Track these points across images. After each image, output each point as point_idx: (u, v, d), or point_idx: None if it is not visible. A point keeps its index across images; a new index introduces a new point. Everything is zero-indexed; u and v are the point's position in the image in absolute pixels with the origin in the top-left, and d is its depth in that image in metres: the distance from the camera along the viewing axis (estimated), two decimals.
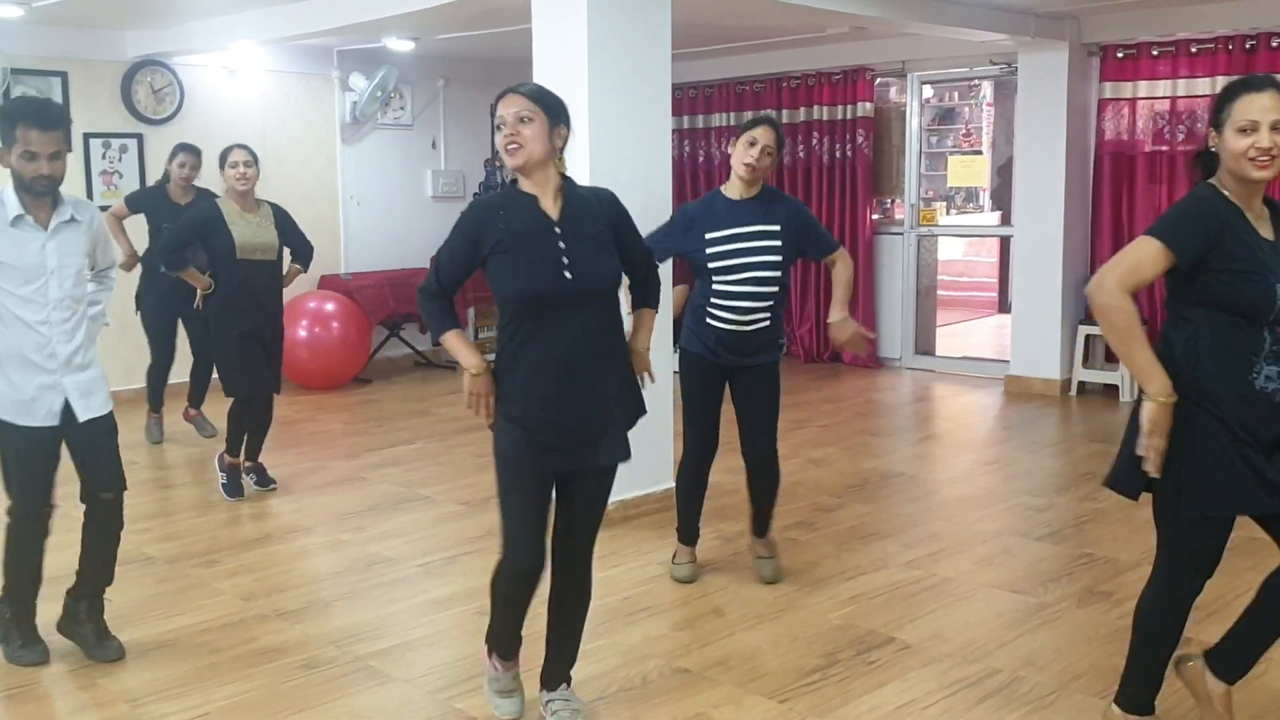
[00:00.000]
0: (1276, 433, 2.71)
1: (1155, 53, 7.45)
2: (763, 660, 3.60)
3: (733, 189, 4.14)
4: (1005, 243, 10.46)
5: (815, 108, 9.05)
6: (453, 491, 5.61)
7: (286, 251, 5.60)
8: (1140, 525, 4.96)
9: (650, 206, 5.07)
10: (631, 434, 4.99)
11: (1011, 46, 7.72)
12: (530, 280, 2.85)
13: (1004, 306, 11.28)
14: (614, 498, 4.90)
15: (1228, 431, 2.66)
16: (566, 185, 2.97)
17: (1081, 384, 7.83)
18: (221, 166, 5.38)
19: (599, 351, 2.93)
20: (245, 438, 5.54)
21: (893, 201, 9.27)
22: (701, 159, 9.85)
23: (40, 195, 3.40)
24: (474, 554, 4.68)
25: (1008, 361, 8.22)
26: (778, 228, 4.05)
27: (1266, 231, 2.74)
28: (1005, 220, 10.52)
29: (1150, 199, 7.63)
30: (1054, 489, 5.62)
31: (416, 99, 9.31)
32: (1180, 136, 7.45)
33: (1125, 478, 2.82)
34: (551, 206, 2.92)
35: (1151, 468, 2.70)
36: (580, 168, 4.84)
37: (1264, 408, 2.69)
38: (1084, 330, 7.74)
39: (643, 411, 3.13)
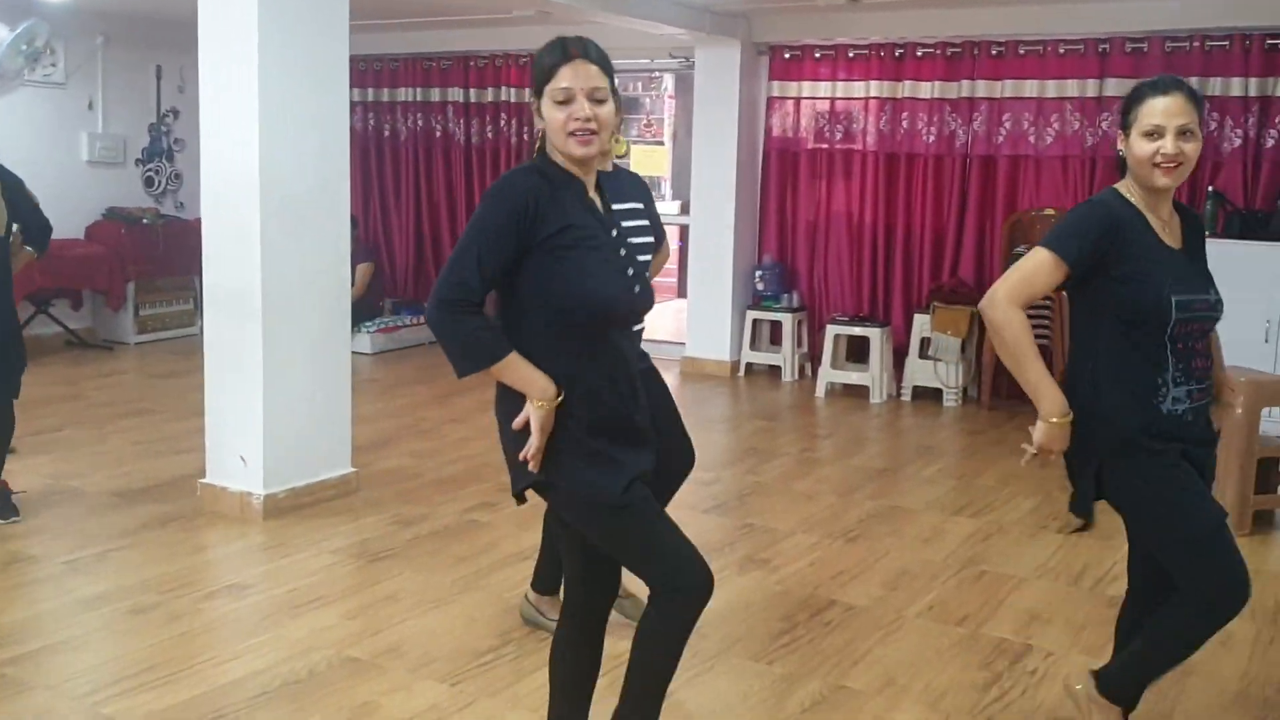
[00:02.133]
0: (1199, 456, 2.63)
1: (818, 55, 7.97)
2: (436, 644, 3.57)
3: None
4: (685, 231, 10.88)
5: (503, 89, 9.05)
6: (107, 482, 5.21)
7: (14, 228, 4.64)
8: (796, 498, 5.33)
9: (329, 180, 4.90)
10: (304, 418, 4.86)
11: (689, 41, 8.03)
12: (604, 286, 2.31)
13: (683, 292, 11.74)
14: (284, 485, 4.79)
15: (1160, 452, 2.58)
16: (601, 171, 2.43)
17: (749, 365, 8.29)
18: None
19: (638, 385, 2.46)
20: None
21: None
22: (387, 133, 9.62)
23: None
24: (128, 549, 4.37)
25: (684, 344, 8.58)
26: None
27: (1172, 239, 2.64)
28: (685, 210, 10.94)
29: (812, 194, 8.17)
30: (722, 463, 5.92)
31: (70, 56, 8.51)
32: (839, 136, 8.01)
33: (1080, 502, 2.74)
34: (596, 195, 2.41)
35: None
36: (250, 138, 4.61)
37: (1176, 430, 2.59)
38: (751, 315, 8.20)
39: None
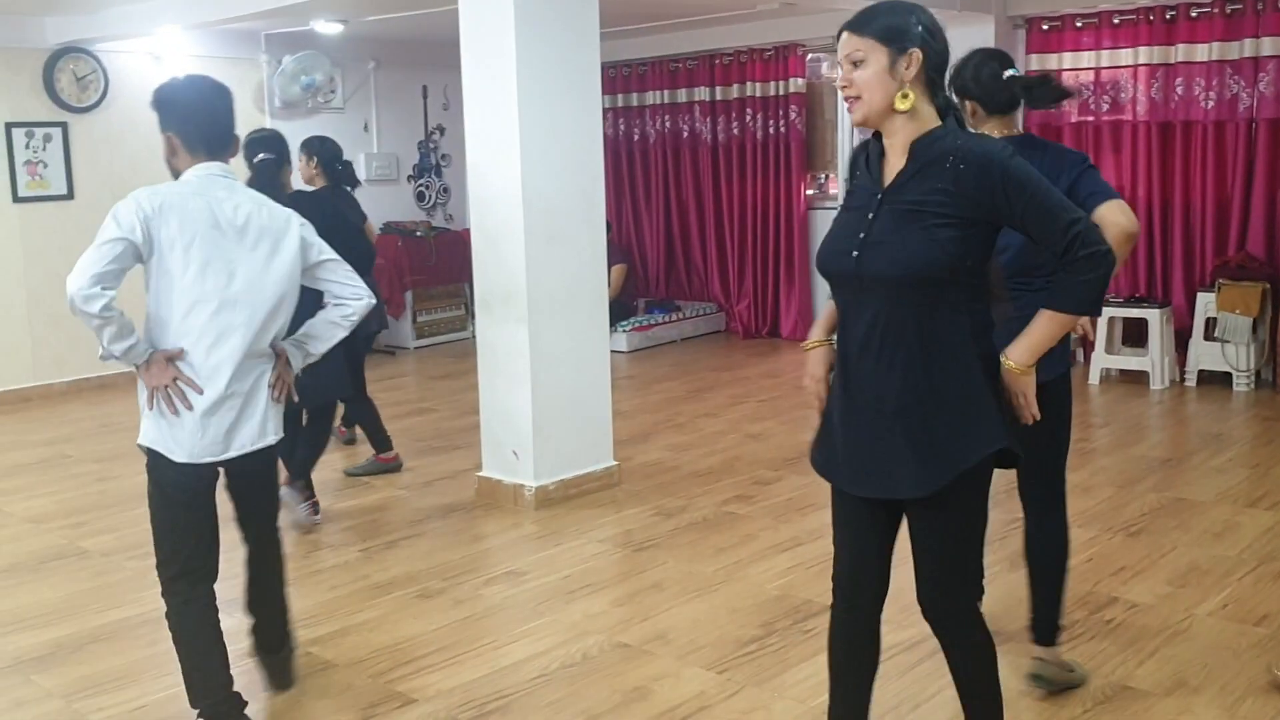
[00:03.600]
0: None
1: (1079, 24, 7.56)
2: (701, 632, 3.64)
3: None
4: None
5: (748, 84, 9.08)
6: (393, 476, 5.59)
7: None
8: (1071, 490, 4.97)
9: (585, 186, 5.08)
10: (569, 413, 5.05)
11: (939, 19, 7.79)
12: (824, 246, 2.40)
13: None
14: (553, 477, 5.00)
15: None
16: (929, 137, 2.28)
17: None
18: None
19: (879, 356, 2.29)
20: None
21: (827, 176, 9.34)
22: (637, 137, 9.85)
23: None
24: (415, 538, 4.68)
25: None
26: None
27: None
28: None
29: None
30: None
31: (347, 82, 9.20)
32: (1105, 107, 7.58)
33: None
34: (897, 164, 2.31)
35: None
36: (511, 150, 4.84)
37: None
38: None
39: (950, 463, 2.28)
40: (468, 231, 5.22)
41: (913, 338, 2.25)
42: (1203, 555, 4.20)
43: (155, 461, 2.90)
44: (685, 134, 9.56)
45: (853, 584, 2.46)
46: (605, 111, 9.06)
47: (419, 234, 9.33)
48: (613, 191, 9.73)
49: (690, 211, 9.63)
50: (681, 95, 9.54)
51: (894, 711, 3.10)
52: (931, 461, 2.26)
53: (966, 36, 7.79)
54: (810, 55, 8.94)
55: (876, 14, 2.33)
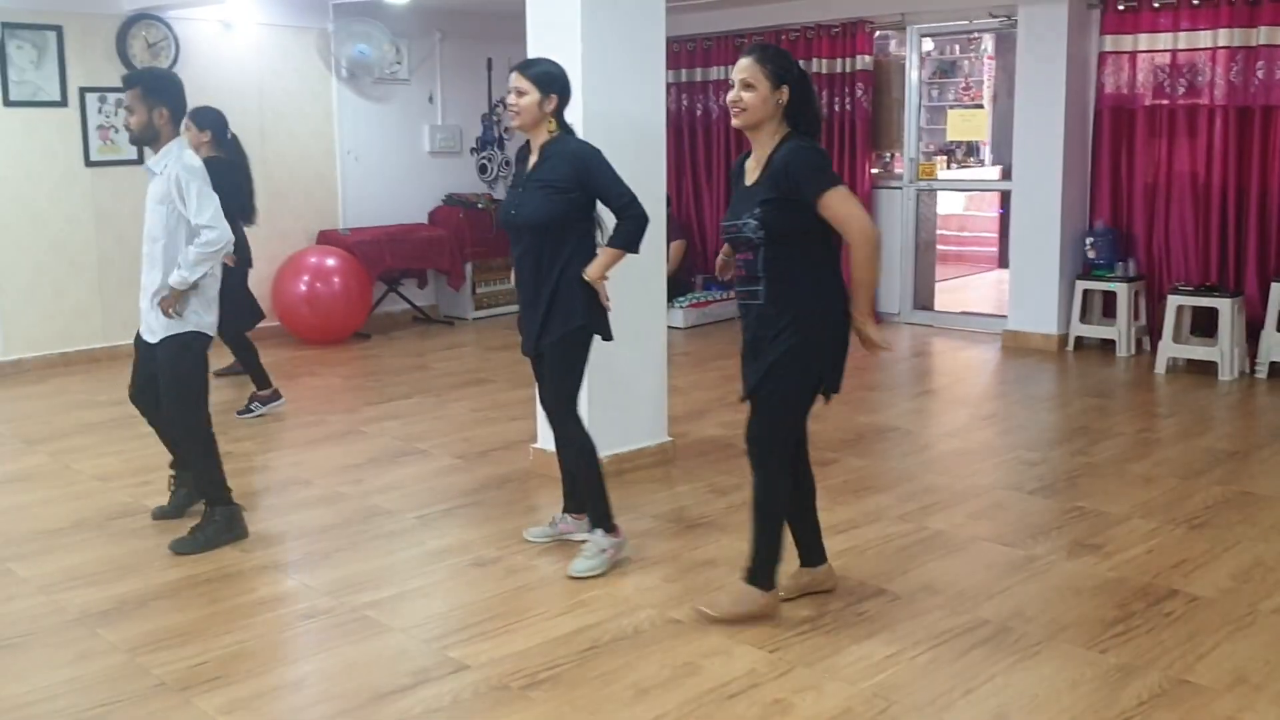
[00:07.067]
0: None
1: (1156, 5, 7.37)
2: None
3: None
4: (1006, 197, 10.42)
5: (814, 60, 8.97)
6: (449, 445, 5.64)
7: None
8: (1132, 480, 5.00)
9: (645, 161, 5.05)
10: (624, 389, 5.07)
11: (1011, 0, 7.66)
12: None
13: (1004, 262, 11.25)
14: (608, 451, 5.01)
15: None
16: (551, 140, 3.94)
17: (1079, 339, 7.83)
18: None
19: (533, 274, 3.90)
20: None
21: (892, 155, 9.22)
22: (700, 112, 9.79)
23: (134, 144, 4.29)
24: (470, 506, 4.72)
25: (1006, 316, 8.22)
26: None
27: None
28: (1006, 175, 10.47)
29: (1150, 154, 7.59)
30: (1048, 443, 5.64)
31: (413, 53, 9.24)
32: (1181, 90, 7.39)
33: None
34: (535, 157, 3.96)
35: None
36: (575, 120, 4.81)
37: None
38: (1081, 285, 7.73)
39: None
40: None
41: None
42: (1268, 550, 4.11)
43: None
44: None
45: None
46: (668, 86, 9.01)
47: (480, 206, 9.37)
48: (674, 167, 9.70)
49: None
50: None
51: (945, 695, 3.08)
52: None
53: (1040, 16, 7.67)
54: (878, 33, 8.82)
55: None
